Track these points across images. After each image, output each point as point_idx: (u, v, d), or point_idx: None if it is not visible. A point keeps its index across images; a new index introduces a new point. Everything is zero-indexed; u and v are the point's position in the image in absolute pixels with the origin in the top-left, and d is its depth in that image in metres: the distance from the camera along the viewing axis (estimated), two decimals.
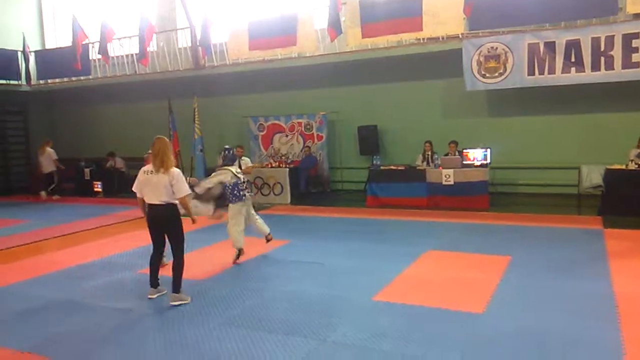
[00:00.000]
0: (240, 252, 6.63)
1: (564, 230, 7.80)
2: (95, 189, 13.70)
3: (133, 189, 5.27)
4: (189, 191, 5.22)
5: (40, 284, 6.13)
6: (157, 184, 5.05)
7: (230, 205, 6.53)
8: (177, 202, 5.16)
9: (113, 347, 4.28)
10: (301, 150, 12.70)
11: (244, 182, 6.59)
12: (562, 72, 9.44)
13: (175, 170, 5.11)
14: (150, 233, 5.28)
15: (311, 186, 12.38)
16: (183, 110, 13.08)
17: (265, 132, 13.27)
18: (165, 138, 5.26)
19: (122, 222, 9.84)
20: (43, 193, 13.38)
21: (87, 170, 14.16)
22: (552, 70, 9.50)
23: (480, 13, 9.83)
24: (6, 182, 15.70)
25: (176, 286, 5.20)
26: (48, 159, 13.33)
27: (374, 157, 11.68)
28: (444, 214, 9.25)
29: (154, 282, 5.41)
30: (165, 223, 5.17)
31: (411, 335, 4.25)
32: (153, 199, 5.09)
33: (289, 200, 11.32)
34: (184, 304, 5.16)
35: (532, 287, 5.34)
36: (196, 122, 12.57)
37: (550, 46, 9.44)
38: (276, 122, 13.10)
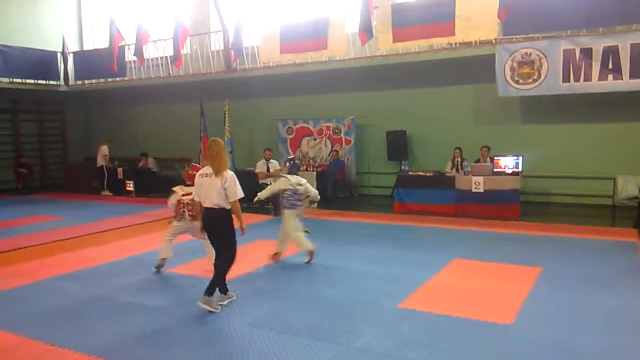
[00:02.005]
0: (312, 253, 6.77)
1: (598, 242, 7.58)
2: (128, 188, 14.02)
3: (194, 195, 5.32)
4: (242, 194, 5.11)
5: (74, 279, 6.30)
6: (210, 187, 5.02)
7: (285, 211, 6.78)
8: (228, 206, 5.05)
9: (142, 344, 4.36)
10: (329, 154, 12.71)
11: (300, 193, 6.82)
12: (598, 80, 9.16)
13: (229, 173, 5.06)
14: (208, 237, 5.34)
15: (338, 190, 12.36)
16: (214, 112, 13.26)
17: (293, 135, 13.34)
18: (221, 140, 5.26)
19: (153, 221, 10.04)
20: (105, 192, 14.10)
21: (120, 170, 14.52)
22: (588, 77, 9.24)
23: (515, 18, 9.63)
24: (42, 179, 16.23)
25: (210, 289, 5.07)
26: (100, 155, 14.35)
27: (402, 162, 11.58)
28: (473, 222, 9.11)
29: (223, 288, 5.28)
30: (216, 226, 5.11)
31: (437, 345, 4.20)
32: (208, 201, 5.06)
33: (315, 204, 11.31)
34: (212, 311, 5.00)
35: (563, 299, 5.21)
36: (226, 124, 12.72)
37: (587, 52, 9.20)
38: (305, 125, 13.15)
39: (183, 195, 6.39)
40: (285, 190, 6.76)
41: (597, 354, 4.00)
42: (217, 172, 5.01)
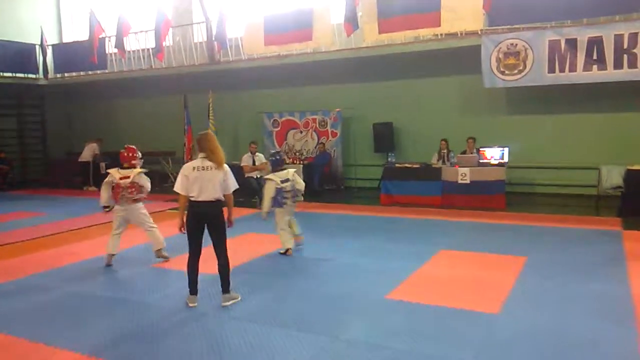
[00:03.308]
0: (287, 251, 6.79)
1: (582, 232, 7.64)
2: None
3: (178, 188, 4.92)
4: (237, 186, 5.10)
5: (58, 276, 6.16)
6: (211, 180, 4.86)
7: (276, 209, 6.78)
8: (223, 199, 4.99)
9: (129, 340, 4.28)
10: (315, 147, 12.65)
11: (288, 190, 6.77)
12: (583, 70, 9.24)
13: (226, 166, 5.01)
14: (192, 234, 4.95)
15: (325, 183, 12.32)
16: (198, 105, 13.11)
17: (279, 128, 13.24)
18: (211, 132, 5.16)
19: None
20: (91, 187, 13.84)
21: (102, 164, 14.28)
22: (573, 68, 9.30)
23: (500, 8, 9.67)
24: (23, 175, 15.92)
25: (226, 286, 5.01)
26: (89, 150, 14.08)
27: (389, 154, 11.56)
28: (459, 213, 9.13)
29: (195, 288, 5.01)
30: (215, 220, 4.93)
31: (425, 334, 4.18)
32: (205, 195, 4.85)
33: (302, 197, 11.25)
34: (236, 302, 5.01)
35: (548, 288, 5.23)
36: (211, 117, 12.58)
37: (572, 43, 9.24)
38: (290, 118, 13.06)
39: (121, 178, 6.33)
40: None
41: (583, 341, 4.01)
42: (220, 164, 4.91)
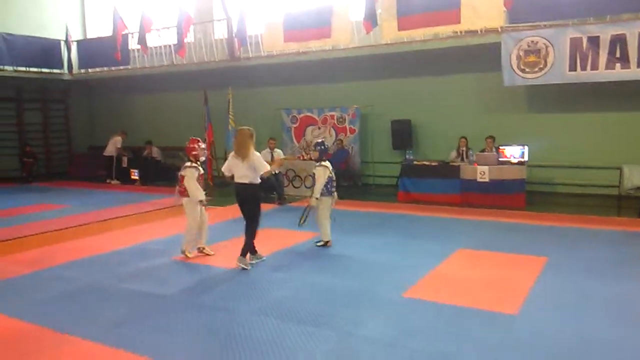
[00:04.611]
0: (327, 243, 6.99)
1: (603, 232, 7.55)
2: (133, 177, 14.05)
3: (223, 169, 6.27)
4: (267, 167, 6.05)
5: (80, 267, 6.32)
6: (242, 167, 6.02)
7: (323, 198, 6.89)
8: (257, 182, 6.05)
9: (147, 332, 4.38)
10: (333, 143, 12.67)
11: (334, 180, 6.98)
12: (605, 68, 9.06)
13: (255, 155, 6.02)
14: (239, 206, 6.17)
15: (342, 180, 12.33)
16: (218, 101, 13.22)
17: (297, 124, 13.29)
18: (245, 129, 6.16)
19: (157, 209, 10.08)
20: (114, 181, 14.18)
21: (124, 158, 14.54)
22: (595, 66, 9.14)
23: (521, 5, 9.55)
24: (47, 168, 16.27)
25: (244, 250, 6.08)
26: (113, 145, 14.42)
27: (407, 151, 11.53)
28: (478, 212, 9.08)
29: (253, 250, 6.22)
30: (246, 199, 6.08)
31: (441, 334, 4.20)
32: (238, 178, 6.09)
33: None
34: (245, 268, 5.97)
35: (569, 289, 5.20)
36: (230, 113, 12.68)
37: (594, 41, 9.09)
38: (309, 114, 13.10)
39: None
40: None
41: (603, 344, 3.99)
42: (243, 157, 5.98)
